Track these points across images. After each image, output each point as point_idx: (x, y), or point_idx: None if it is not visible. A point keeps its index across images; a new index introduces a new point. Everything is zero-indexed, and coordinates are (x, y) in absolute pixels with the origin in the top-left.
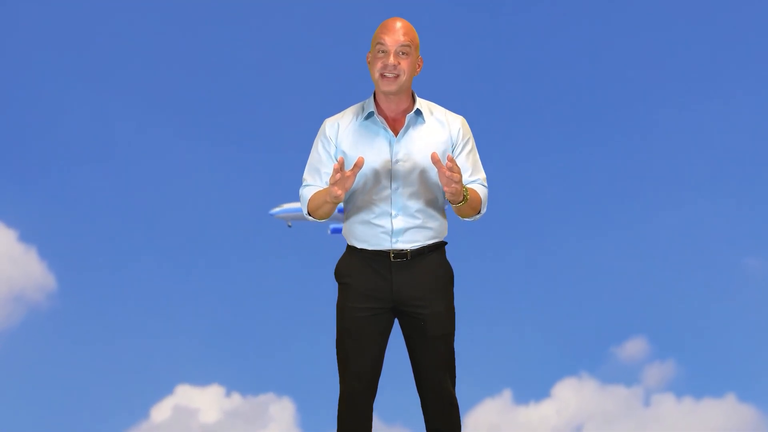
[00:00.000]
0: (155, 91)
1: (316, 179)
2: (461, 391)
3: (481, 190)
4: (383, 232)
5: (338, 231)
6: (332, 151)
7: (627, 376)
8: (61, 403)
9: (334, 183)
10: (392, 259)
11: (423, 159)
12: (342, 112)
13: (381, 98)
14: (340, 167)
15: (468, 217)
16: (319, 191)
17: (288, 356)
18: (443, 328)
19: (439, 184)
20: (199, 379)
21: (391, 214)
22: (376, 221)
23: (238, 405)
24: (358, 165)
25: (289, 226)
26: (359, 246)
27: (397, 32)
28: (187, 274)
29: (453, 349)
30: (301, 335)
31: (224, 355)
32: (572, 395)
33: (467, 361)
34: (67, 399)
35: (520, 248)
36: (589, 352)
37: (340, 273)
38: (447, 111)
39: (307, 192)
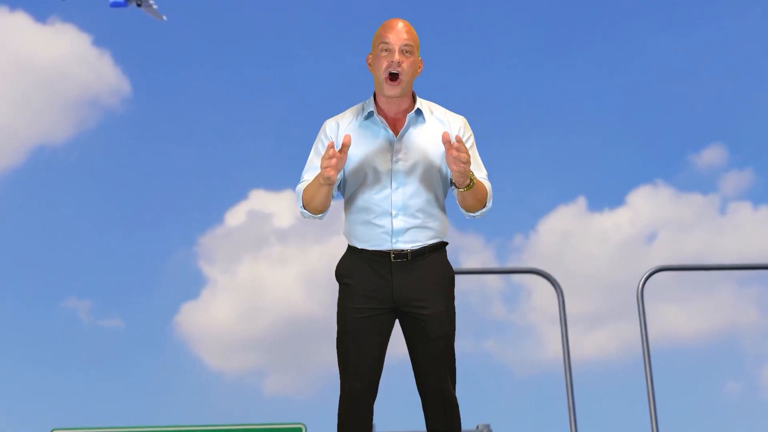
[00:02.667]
0: None
1: (311, 176)
2: (537, 198)
3: (486, 184)
4: (384, 233)
5: (118, 5)
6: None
7: (704, 184)
8: (135, 209)
9: (327, 165)
10: (393, 260)
11: (423, 158)
12: (342, 113)
13: (382, 99)
14: (332, 148)
15: (473, 211)
16: (311, 181)
17: None
18: (444, 328)
19: (440, 183)
20: (274, 184)
21: (391, 214)
22: (377, 221)
23: None
24: (346, 144)
25: None
26: (360, 246)
27: (401, 31)
28: (259, 79)
29: (453, 349)
30: None
31: (298, 161)
32: (647, 203)
33: (542, 168)
34: (142, 203)
35: (598, 53)
36: (665, 159)
37: (340, 274)
38: (447, 111)
39: (300, 187)
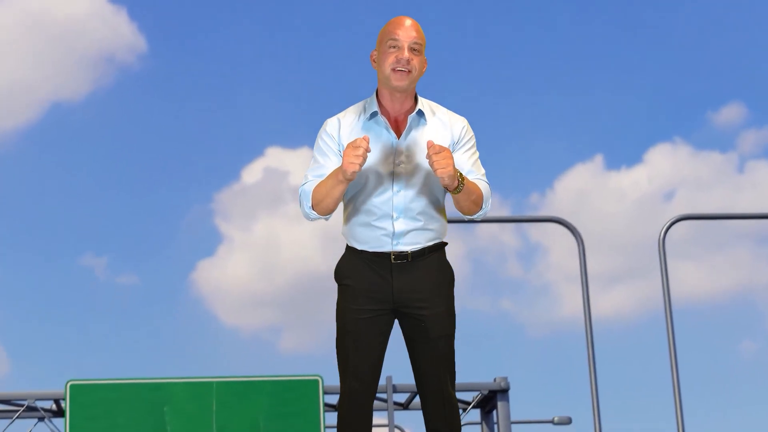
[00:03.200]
0: None
1: (317, 176)
2: (550, 158)
3: (482, 185)
4: (384, 235)
5: None
6: (335, 148)
7: (722, 141)
8: (151, 166)
9: (354, 160)
10: (393, 261)
11: (425, 161)
12: (343, 111)
13: (385, 97)
14: (366, 141)
15: (470, 213)
16: (323, 180)
17: None
18: (444, 329)
19: (441, 186)
20: (290, 141)
21: (392, 217)
22: (377, 223)
23: None
24: (367, 140)
25: None
26: (359, 248)
27: (410, 29)
28: (276, 36)
29: (453, 349)
30: None
31: (316, 118)
32: (665, 161)
33: (559, 125)
34: (158, 160)
35: (615, 7)
36: (684, 116)
37: (340, 274)
38: (450, 111)
39: (308, 188)
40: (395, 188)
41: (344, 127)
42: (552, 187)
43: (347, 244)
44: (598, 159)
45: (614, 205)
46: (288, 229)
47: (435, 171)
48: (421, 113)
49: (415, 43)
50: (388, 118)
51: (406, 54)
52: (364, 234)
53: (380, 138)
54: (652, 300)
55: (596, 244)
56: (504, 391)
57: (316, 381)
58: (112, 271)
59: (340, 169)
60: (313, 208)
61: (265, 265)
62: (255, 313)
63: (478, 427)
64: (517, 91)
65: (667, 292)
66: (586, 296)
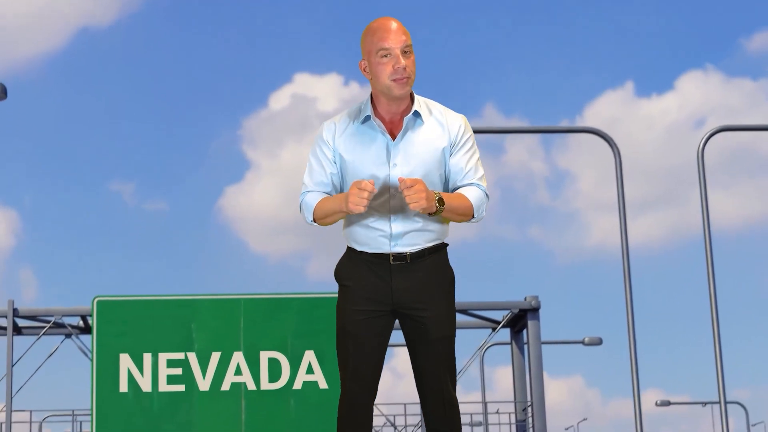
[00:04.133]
0: None
1: (317, 184)
2: (583, 82)
3: (474, 193)
4: (382, 236)
5: None
6: (330, 155)
7: (754, 68)
8: (179, 92)
9: (359, 203)
10: (392, 262)
11: (421, 162)
12: (338, 115)
13: (381, 101)
14: (372, 187)
15: (461, 222)
16: (327, 200)
17: None
18: (444, 330)
19: (440, 185)
20: (318, 67)
21: (389, 218)
22: (375, 225)
23: (356, 94)
24: (372, 183)
25: None
26: (359, 249)
27: (397, 32)
28: None
29: (453, 350)
30: None
31: (343, 44)
32: (696, 88)
33: (590, 51)
34: (186, 87)
35: None
36: (715, 43)
37: (340, 275)
38: (447, 109)
39: (310, 199)
40: (392, 190)
41: (339, 132)
42: (582, 114)
43: (347, 246)
44: (629, 86)
45: (644, 133)
46: None
47: (408, 206)
48: (417, 114)
49: (406, 45)
50: (383, 121)
51: (402, 62)
52: (362, 235)
53: (375, 141)
54: (682, 227)
55: (625, 172)
56: (534, 310)
57: None
58: (140, 197)
59: (345, 203)
60: (314, 221)
61: (292, 191)
62: (283, 240)
63: (508, 347)
64: (546, 15)
65: (706, 206)
66: (622, 208)
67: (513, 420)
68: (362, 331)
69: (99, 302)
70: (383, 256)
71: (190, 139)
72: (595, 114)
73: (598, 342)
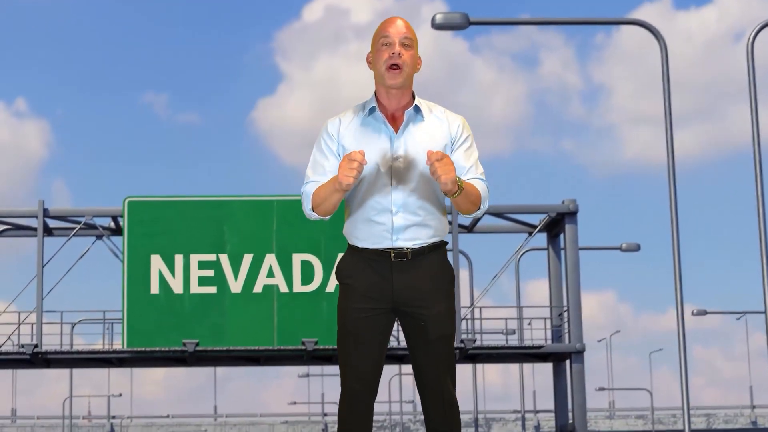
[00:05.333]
0: None
1: (319, 176)
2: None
3: (480, 185)
4: (384, 230)
5: None
6: (334, 148)
7: None
8: (212, 3)
9: (349, 173)
10: (393, 259)
11: (422, 155)
12: (343, 111)
13: (382, 95)
14: (361, 155)
15: (469, 213)
16: (323, 184)
17: None
18: (444, 329)
19: (441, 190)
20: None
21: (391, 211)
22: (377, 218)
23: (389, 6)
24: (362, 153)
25: None
26: (360, 245)
27: (400, 26)
28: None
29: (453, 349)
30: None
31: None
32: (735, 0)
33: None
34: (220, 1)
35: None
36: None
37: (341, 273)
38: (447, 110)
39: (309, 188)
40: (394, 182)
41: (344, 125)
42: (618, 27)
43: (349, 243)
44: None
45: (682, 46)
46: (348, 69)
47: (438, 177)
48: (417, 109)
49: (406, 38)
50: (386, 114)
51: (397, 49)
52: (364, 230)
53: (379, 132)
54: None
55: (658, 86)
56: (572, 214)
57: None
58: (173, 108)
59: (336, 180)
60: (313, 210)
61: (325, 104)
62: None
63: (542, 255)
64: None
65: (755, 104)
66: (667, 104)
67: (548, 326)
68: (363, 330)
69: (130, 202)
70: (384, 253)
71: (222, 52)
72: (632, 28)
73: (636, 248)
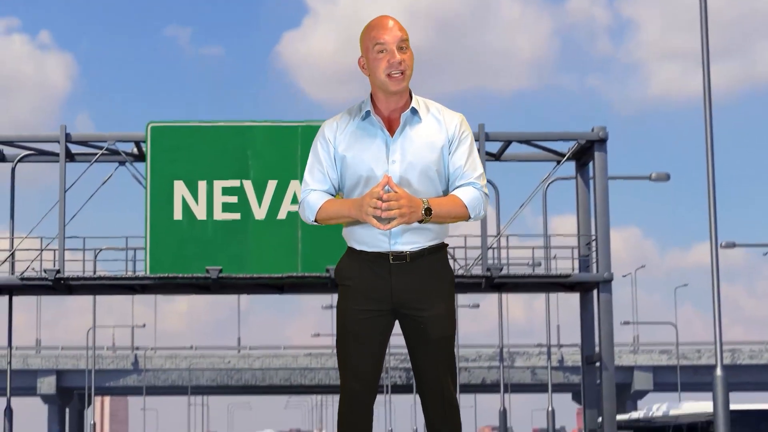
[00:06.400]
0: None
1: (318, 183)
2: None
3: (469, 194)
4: (382, 234)
5: None
6: (332, 152)
7: None
8: None
9: (373, 213)
10: (391, 262)
11: (419, 159)
12: (340, 114)
13: (380, 98)
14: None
15: (457, 222)
16: (334, 203)
17: None
18: (443, 330)
19: (437, 184)
20: None
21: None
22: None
23: None
24: (384, 193)
25: None
26: (359, 248)
27: (393, 29)
28: None
29: (453, 350)
30: None
31: None
32: None
33: None
34: None
35: None
36: None
37: (341, 275)
38: (445, 108)
39: (313, 199)
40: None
41: (340, 130)
42: None
43: (348, 246)
44: None
45: None
46: (373, 3)
47: (396, 221)
48: (414, 111)
49: (402, 41)
50: (382, 117)
51: (398, 56)
52: (362, 234)
53: (374, 137)
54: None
55: (688, 23)
56: (602, 141)
57: None
58: (196, 42)
59: (357, 209)
60: (316, 221)
61: (351, 38)
62: (341, 88)
63: (570, 186)
64: None
65: None
66: (705, 31)
67: (575, 255)
68: (363, 331)
69: (153, 128)
70: (383, 256)
71: None
72: None
73: (666, 178)
